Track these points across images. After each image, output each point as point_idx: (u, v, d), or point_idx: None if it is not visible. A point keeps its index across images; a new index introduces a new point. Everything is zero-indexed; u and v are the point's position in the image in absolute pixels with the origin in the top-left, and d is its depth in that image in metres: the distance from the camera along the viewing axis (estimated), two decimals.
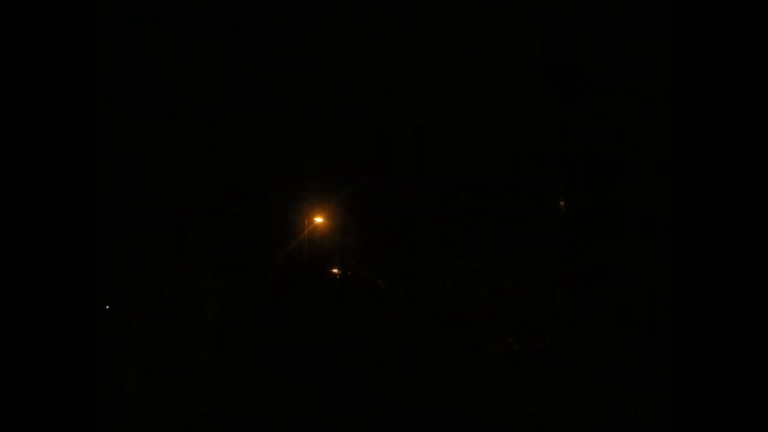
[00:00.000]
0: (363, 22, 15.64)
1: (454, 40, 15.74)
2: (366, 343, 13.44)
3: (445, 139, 15.85)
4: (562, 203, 15.23)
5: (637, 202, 14.93)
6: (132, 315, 14.48)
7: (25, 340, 5.35)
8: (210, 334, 14.06)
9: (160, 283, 14.85)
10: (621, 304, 14.36)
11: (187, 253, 15.09)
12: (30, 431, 5.26)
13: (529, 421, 12.07)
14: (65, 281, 5.49)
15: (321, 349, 13.00)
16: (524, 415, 12.23)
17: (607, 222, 15.08)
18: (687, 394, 5.38)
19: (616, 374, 12.44)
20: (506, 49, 15.46)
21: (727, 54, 5.57)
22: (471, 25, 15.76)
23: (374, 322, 14.12)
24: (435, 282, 15.75)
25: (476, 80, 15.69)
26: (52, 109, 5.60)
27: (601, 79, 15.41)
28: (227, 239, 15.31)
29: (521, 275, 15.59)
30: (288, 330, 13.38)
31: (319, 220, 17.09)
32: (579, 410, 11.89)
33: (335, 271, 15.65)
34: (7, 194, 5.41)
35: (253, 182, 15.53)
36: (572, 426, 11.67)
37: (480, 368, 13.96)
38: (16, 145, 5.47)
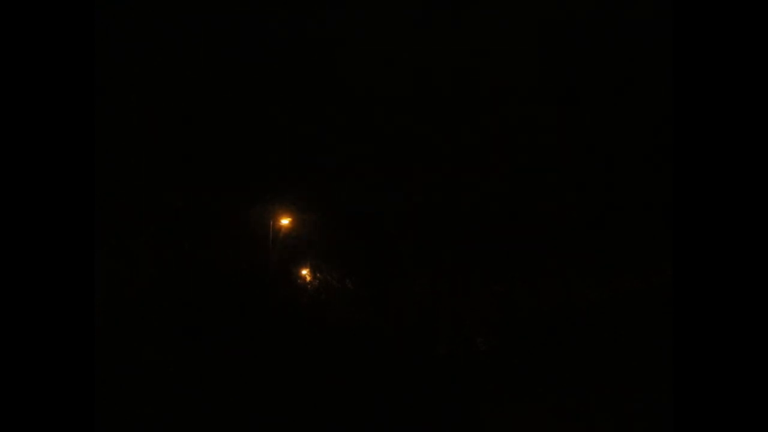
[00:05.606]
0: (360, 22, 15.63)
1: (455, 41, 15.73)
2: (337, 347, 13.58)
3: (444, 140, 15.82)
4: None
5: (637, 201, 14.95)
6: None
7: (24, 338, 5.34)
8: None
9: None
10: (621, 302, 14.39)
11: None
12: (30, 429, 5.27)
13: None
14: (65, 279, 5.49)
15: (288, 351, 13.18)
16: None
17: (606, 221, 15.11)
18: (687, 393, 5.37)
19: (614, 374, 12.44)
20: (506, 49, 15.45)
21: (727, 54, 5.57)
22: (470, 27, 15.74)
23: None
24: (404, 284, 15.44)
25: (476, 80, 15.68)
26: (52, 108, 5.60)
27: (601, 78, 15.43)
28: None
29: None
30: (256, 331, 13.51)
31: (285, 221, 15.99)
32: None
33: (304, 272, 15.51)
34: (8, 193, 5.41)
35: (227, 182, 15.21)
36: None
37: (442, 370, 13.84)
38: (16, 143, 5.46)
